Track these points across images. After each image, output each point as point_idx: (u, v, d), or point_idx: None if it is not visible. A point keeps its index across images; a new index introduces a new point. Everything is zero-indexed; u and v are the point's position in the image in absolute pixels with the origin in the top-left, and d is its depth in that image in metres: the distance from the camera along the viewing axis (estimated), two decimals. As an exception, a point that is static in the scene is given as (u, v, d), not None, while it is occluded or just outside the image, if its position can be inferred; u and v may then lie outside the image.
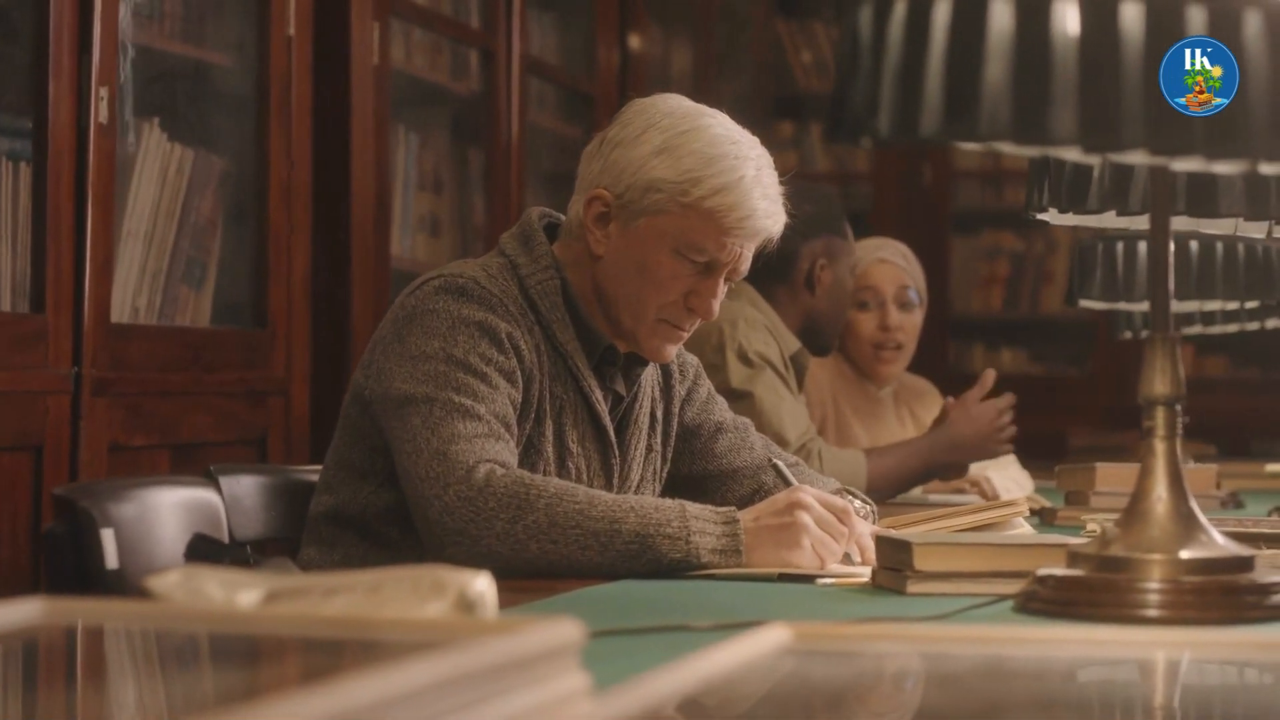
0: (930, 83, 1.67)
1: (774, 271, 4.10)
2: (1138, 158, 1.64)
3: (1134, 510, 2.10)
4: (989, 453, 3.93)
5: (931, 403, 4.64)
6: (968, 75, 1.65)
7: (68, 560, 1.93)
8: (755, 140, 2.78)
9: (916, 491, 4.00)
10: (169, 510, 2.17)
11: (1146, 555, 2.04)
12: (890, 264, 4.55)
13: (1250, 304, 4.19)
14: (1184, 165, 1.71)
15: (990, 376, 3.97)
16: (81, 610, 1.33)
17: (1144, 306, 4.20)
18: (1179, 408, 2.11)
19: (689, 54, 7.25)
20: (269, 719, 0.91)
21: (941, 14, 1.67)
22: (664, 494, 2.88)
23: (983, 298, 7.87)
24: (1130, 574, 2.03)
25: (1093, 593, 2.04)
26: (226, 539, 2.26)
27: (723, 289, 2.77)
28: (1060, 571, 2.08)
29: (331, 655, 1.25)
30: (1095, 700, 1.58)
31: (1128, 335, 5.03)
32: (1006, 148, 1.65)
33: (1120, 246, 4.04)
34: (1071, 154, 1.65)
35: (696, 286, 2.75)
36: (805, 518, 2.49)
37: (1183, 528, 2.07)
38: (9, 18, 3.41)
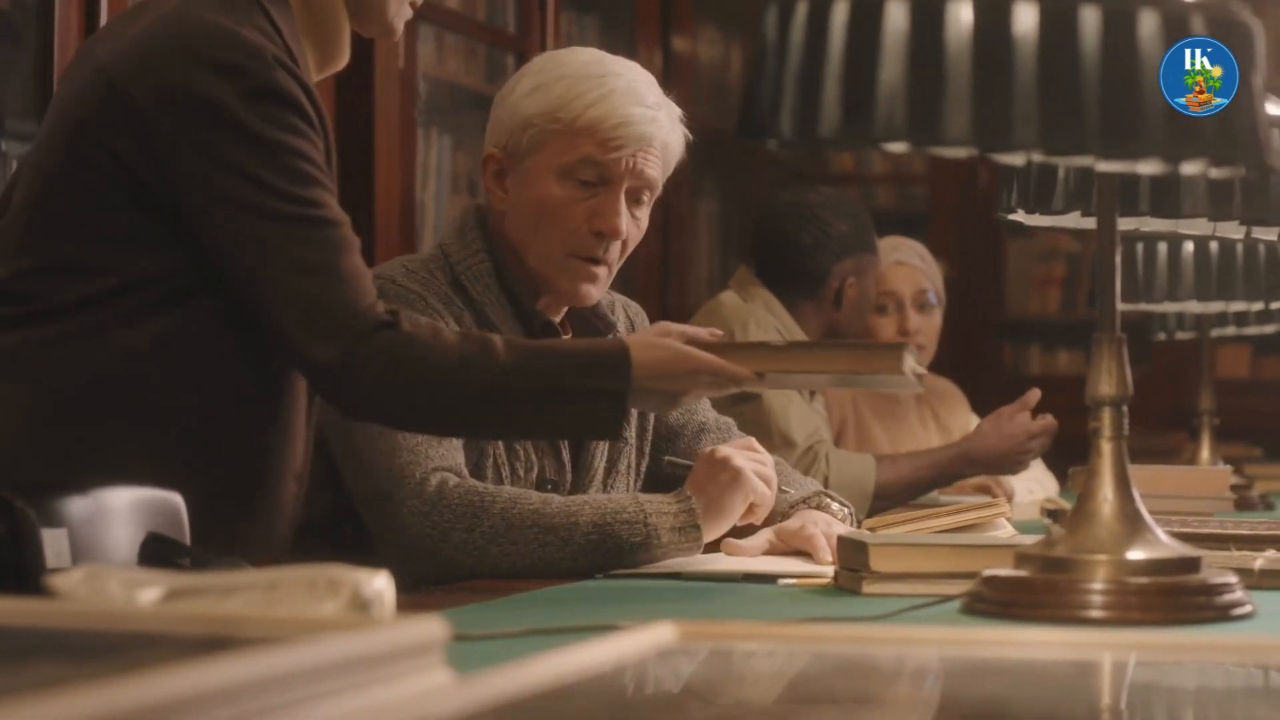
0: (829, 84, 1.67)
1: (801, 288, 4.12)
2: (1034, 156, 1.64)
3: (1080, 511, 2.09)
4: (1007, 469, 3.92)
5: (955, 404, 4.63)
6: (864, 76, 1.65)
7: (7, 561, 1.95)
8: (634, 65, 2.78)
9: (934, 492, 4.00)
10: (128, 511, 2.18)
11: (1090, 556, 2.03)
12: (907, 266, 4.54)
13: (1275, 305, 4.17)
14: (1077, 164, 1.71)
15: (1034, 396, 3.94)
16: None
17: (1163, 308, 4.19)
18: (1125, 409, 2.09)
19: (740, 55, 7.24)
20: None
21: (839, 15, 1.67)
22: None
23: (1039, 300, 7.83)
24: (1073, 575, 2.02)
25: (1035, 594, 2.03)
26: (189, 539, 2.28)
27: (625, 209, 2.72)
28: (1005, 572, 2.08)
29: (182, 651, 1.27)
30: (964, 701, 1.57)
31: (1161, 337, 5.01)
32: (902, 148, 1.65)
33: (1140, 248, 4.03)
34: (964, 153, 1.65)
35: (596, 208, 2.72)
36: (738, 461, 2.55)
37: (1128, 529, 2.06)
38: (14, 23, 3.45)
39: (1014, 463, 3.93)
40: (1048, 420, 3.92)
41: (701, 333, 2.43)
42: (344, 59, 2.41)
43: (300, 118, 2.21)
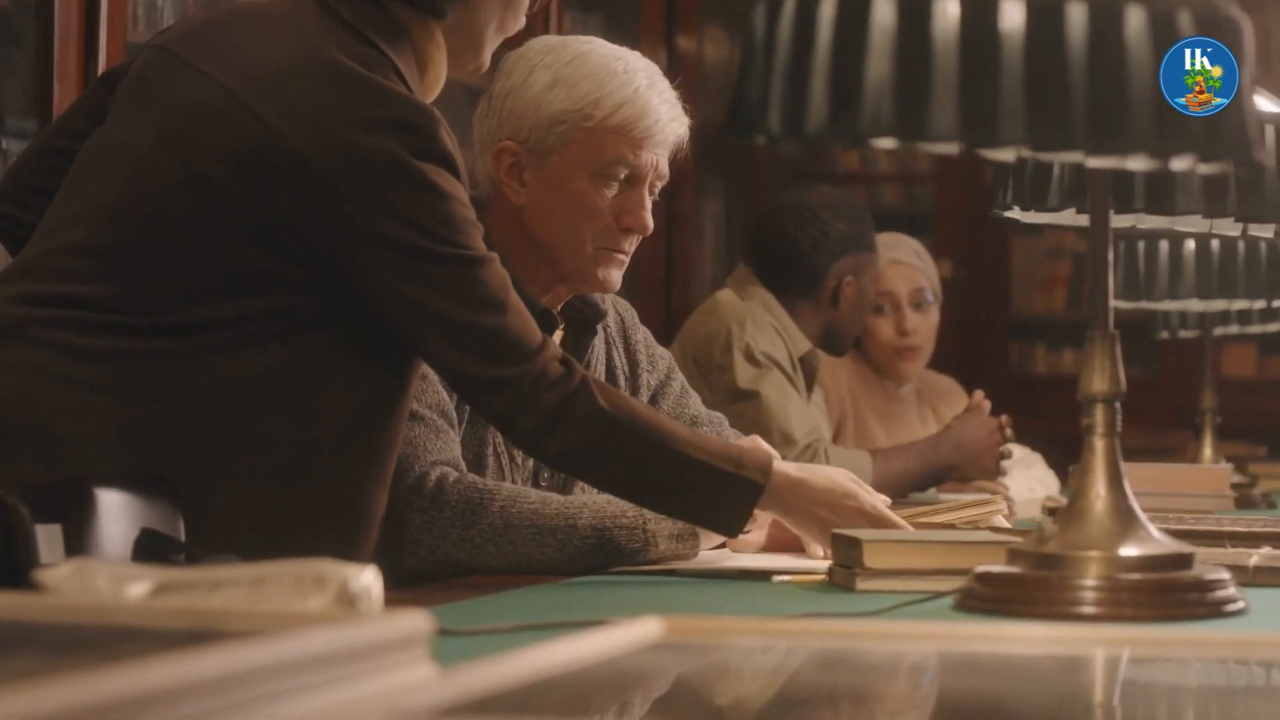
0: (816, 80, 1.67)
1: (799, 286, 4.12)
2: (1022, 152, 1.64)
3: (1073, 508, 2.09)
4: (986, 460, 3.92)
5: (955, 401, 4.64)
6: (850, 72, 1.66)
7: (0, 557, 1.95)
8: (638, 54, 2.81)
9: (931, 491, 4.00)
10: (123, 507, 2.18)
11: (1082, 552, 2.03)
12: (904, 265, 4.55)
13: (1277, 303, 4.17)
14: (1065, 159, 1.71)
15: (979, 398, 4.02)
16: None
17: (1164, 306, 4.19)
18: (1118, 405, 2.09)
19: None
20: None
21: (827, 11, 1.67)
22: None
23: (1045, 299, 7.82)
24: (1065, 571, 2.02)
25: (1027, 590, 2.03)
26: (183, 535, 2.28)
27: (649, 201, 2.78)
28: (997, 569, 2.08)
29: (166, 644, 1.27)
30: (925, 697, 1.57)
31: (1164, 335, 5.01)
32: (889, 144, 1.65)
33: (1142, 246, 4.03)
34: (950, 149, 1.66)
35: (624, 205, 2.75)
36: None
37: (1121, 525, 2.06)
38: (13, 21, 3.45)
39: (990, 457, 3.94)
40: (1003, 418, 3.97)
41: (879, 496, 2.58)
42: (436, 93, 2.47)
43: (453, 169, 2.31)
